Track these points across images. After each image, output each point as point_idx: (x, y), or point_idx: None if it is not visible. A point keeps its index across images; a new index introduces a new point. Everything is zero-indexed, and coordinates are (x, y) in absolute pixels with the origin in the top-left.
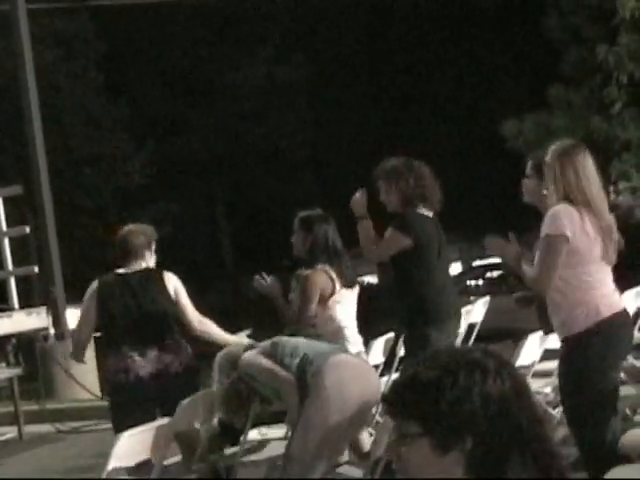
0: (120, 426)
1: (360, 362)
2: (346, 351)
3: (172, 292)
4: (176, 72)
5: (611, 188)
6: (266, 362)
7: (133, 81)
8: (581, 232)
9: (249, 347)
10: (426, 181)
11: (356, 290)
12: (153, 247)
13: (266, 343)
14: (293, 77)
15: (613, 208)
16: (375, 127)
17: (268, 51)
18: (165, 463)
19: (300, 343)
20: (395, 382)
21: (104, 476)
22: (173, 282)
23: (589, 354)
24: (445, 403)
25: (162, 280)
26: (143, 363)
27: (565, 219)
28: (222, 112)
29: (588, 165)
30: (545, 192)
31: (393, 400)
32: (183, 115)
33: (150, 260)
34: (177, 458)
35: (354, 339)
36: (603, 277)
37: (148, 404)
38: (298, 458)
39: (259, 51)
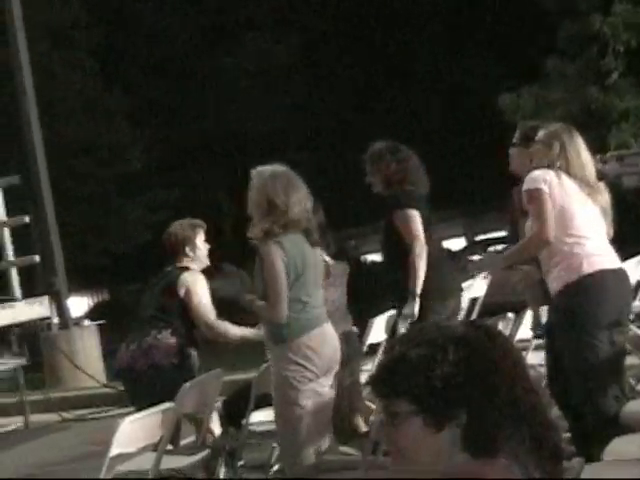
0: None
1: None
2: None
3: (182, 294)
4: (173, 58)
5: (598, 157)
6: (280, 273)
7: (129, 68)
8: (559, 188)
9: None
10: (409, 165)
11: (343, 265)
12: (193, 244)
13: (304, 258)
14: (290, 60)
15: (600, 177)
16: (373, 107)
17: (261, 34)
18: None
19: (311, 280)
20: (382, 362)
21: (106, 463)
22: (186, 284)
23: (574, 309)
24: (437, 379)
25: (175, 282)
26: (123, 354)
27: (540, 177)
28: (220, 97)
29: (577, 142)
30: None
31: (382, 380)
32: (181, 101)
33: (189, 259)
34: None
35: (343, 317)
36: (591, 235)
37: (128, 394)
38: (290, 453)
39: (254, 35)
